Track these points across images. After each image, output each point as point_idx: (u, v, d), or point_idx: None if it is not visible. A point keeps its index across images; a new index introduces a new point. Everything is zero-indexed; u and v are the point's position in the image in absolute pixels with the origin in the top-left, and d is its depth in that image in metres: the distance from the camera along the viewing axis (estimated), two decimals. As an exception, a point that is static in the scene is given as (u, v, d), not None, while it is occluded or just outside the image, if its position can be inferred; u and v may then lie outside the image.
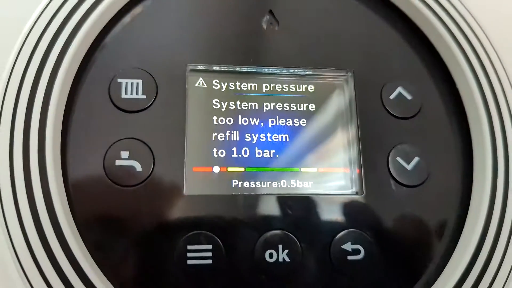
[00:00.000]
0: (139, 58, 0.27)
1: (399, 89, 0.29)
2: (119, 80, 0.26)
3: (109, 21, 0.27)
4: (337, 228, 0.26)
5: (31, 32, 0.25)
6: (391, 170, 0.27)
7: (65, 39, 0.25)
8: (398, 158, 0.28)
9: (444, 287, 0.25)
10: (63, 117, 0.25)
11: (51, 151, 0.24)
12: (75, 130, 0.25)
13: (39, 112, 0.24)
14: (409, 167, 0.27)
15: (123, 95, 0.26)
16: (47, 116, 0.24)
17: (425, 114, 0.29)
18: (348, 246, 0.26)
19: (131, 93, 0.26)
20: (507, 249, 0.26)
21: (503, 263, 0.25)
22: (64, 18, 0.26)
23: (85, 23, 0.26)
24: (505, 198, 0.26)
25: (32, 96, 0.24)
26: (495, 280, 0.25)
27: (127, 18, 0.28)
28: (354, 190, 0.27)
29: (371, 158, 0.27)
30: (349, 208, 0.26)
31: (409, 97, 0.29)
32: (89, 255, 0.23)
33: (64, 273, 0.22)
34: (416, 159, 0.28)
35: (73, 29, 0.25)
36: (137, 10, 0.28)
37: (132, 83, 0.26)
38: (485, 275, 0.25)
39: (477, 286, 0.25)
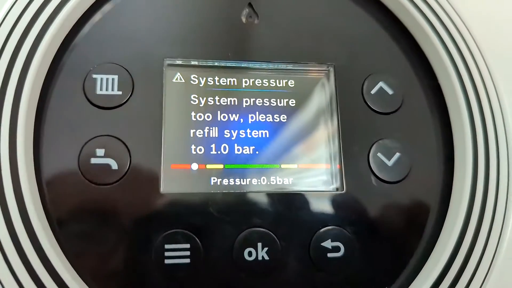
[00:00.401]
0: (115, 53, 0.26)
1: (380, 84, 0.28)
2: (94, 76, 0.25)
3: (83, 14, 0.26)
4: (317, 225, 0.26)
5: (1, 26, 0.24)
6: (372, 166, 0.27)
7: (37, 33, 0.25)
8: (379, 154, 0.27)
9: (425, 283, 0.25)
10: (36, 114, 0.24)
11: (23, 149, 0.23)
12: (49, 127, 0.25)
13: (10, 108, 0.23)
14: (390, 163, 0.27)
15: (98, 91, 0.25)
16: (18, 113, 0.23)
17: (406, 109, 0.28)
18: (328, 244, 0.25)
19: (107, 89, 0.25)
20: (487, 243, 0.26)
21: (483, 257, 0.26)
22: (35, 12, 0.25)
23: (58, 17, 0.25)
24: (485, 194, 0.26)
25: (2, 91, 0.23)
26: (475, 274, 0.25)
27: (102, 12, 0.27)
28: (334, 186, 0.27)
29: (351, 153, 0.27)
30: (329, 204, 0.26)
31: (390, 92, 0.28)
32: (63, 255, 0.23)
33: (37, 274, 0.22)
34: (397, 154, 0.27)
35: (44, 23, 0.25)
36: (112, 3, 0.27)
37: (107, 79, 0.26)
38: (465, 270, 0.25)
39: (458, 280, 0.25)
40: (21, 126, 0.23)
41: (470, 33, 0.29)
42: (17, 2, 0.25)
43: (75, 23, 0.26)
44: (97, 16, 0.27)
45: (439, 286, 0.25)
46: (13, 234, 0.22)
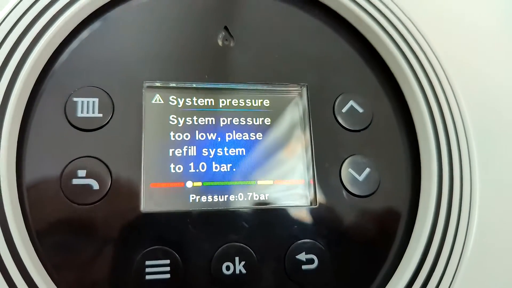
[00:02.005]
0: (95, 76, 0.27)
1: (351, 103, 0.30)
2: (74, 99, 0.26)
3: (64, 39, 0.27)
4: (291, 239, 0.27)
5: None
6: (343, 181, 0.28)
7: (20, 57, 0.25)
8: (350, 170, 0.29)
9: (395, 288, 0.27)
10: (19, 136, 0.25)
11: (5, 169, 0.24)
12: (31, 149, 0.25)
13: None
14: (360, 178, 0.29)
15: (79, 114, 0.26)
16: (1, 135, 0.24)
17: (376, 127, 0.30)
18: (302, 256, 0.27)
19: (87, 112, 0.26)
20: (452, 249, 0.27)
21: (447, 268, 0.27)
22: (18, 37, 0.26)
23: (40, 42, 0.26)
24: (450, 204, 0.28)
25: None
26: (442, 280, 0.27)
27: (82, 36, 0.28)
28: (308, 200, 0.28)
29: (324, 169, 0.28)
30: (303, 218, 0.27)
31: (360, 110, 0.30)
32: (44, 271, 0.24)
33: None
34: (367, 170, 0.29)
35: (27, 48, 0.26)
36: (91, 28, 0.28)
37: (88, 102, 0.26)
38: (431, 279, 0.27)
39: (426, 285, 0.27)
40: (4, 147, 0.24)
41: (434, 54, 0.30)
42: (0, 27, 0.26)
43: (54, 51, 0.27)
44: (75, 43, 0.28)
45: None
46: None
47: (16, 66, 0.25)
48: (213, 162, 0.28)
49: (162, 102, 0.28)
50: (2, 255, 0.23)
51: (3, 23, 0.26)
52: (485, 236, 0.28)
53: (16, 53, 0.25)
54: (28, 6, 0.26)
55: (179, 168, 0.27)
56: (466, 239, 0.27)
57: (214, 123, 0.28)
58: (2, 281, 0.22)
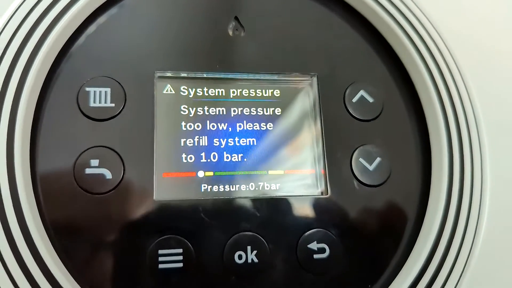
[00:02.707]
0: (107, 66, 0.27)
1: (361, 92, 0.30)
2: (87, 89, 0.26)
3: (76, 30, 0.27)
4: (303, 228, 0.27)
5: (1, 35, 0.25)
6: (354, 171, 0.28)
7: (32, 48, 0.25)
8: (361, 159, 0.29)
9: (405, 280, 0.27)
10: (32, 126, 0.25)
11: (20, 159, 0.24)
12: (44, 139, 0.25)
13: (7, 121, 0.24)
14: (371, 167, 0.29)
15: (92, 104, 0.26)
16: (15, 125, 0.24)
17: (386, 116, 0.30)
18: (313, 245, 0.27)
19: (100, 102, 0.26)
20: (462, 242, 0.27)
21: (459, 256, 0.27)
22: (31, 27, 0.26)
23: (52, 32, 0.26)
24: (460, 197, 0.28)
25: (1, 101, 0.24)
26: (452, 271, 0.27)
27: (93, 27, 0.28)
28: (319, 190, 0.28)
29: (335, 159, 0.28)
30: (314, 208, 0.28)
31: (370, 100, 0.30)
32: (60, 261, 0.24)
33: (35, 279, 0.23)
34: (378, 159, 0.29)
35: (39, 38, 0.26)
36: (103, 18, 0.28)
37: (100, 92, 0.27)
38: (442, 269, 0.27)
39: (436, 277, 0.27)
40: (18, 137, 0.24)
41: (445, 44, 0.30)
42: (16, 12, 0.26)
43: (69, 38, 0.27)
44: (89, 31, 0.28)
45: (418, 282, 0.26)
46: (12, 241, 0.23)
47: (31, 53, 0.25)
48: (224, 152, 0.28)
49: (173, 92, 0.28)
50: (18, 245, 0.23)
51: (19, 9, 0.26)
52: (496, 223, 0.28)
53: (31, 40, 0.25)
54: None
55: (190, 158, 0.27)
56: (478, 225, 0.27)
57: (225, 113, 0.28)
58: (18, 270, 0.23)
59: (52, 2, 0.26)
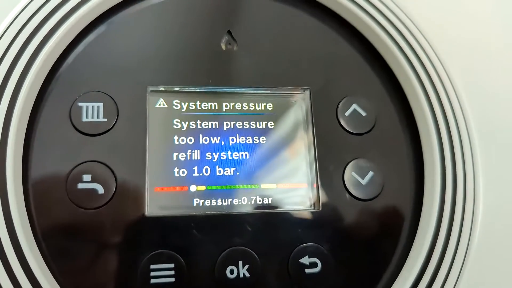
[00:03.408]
0: (100, 81, 0.27)
1: (354, 106, 0.30)
2: (79, 104, 0.27)
3: (69, 45, 0.27)
4: (295, 243, 0.27)
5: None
6: (347, 185, 0.29)
7: (25, 63, 0.26)
8: (353, 173, 0.29)
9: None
10: (25, 141, 0.25)
11: (12, 174, 0.24)
12: (37, 154, 0.26)
13: (0, 133, 0.24)
14: (363, 181, 0.29)
15: (84, 119, 0.26)
16: (7, 140, 0.24)
17: (379, 130, 0.30)
18: (305, 260, 0.27)
19: (92, 117, 0.26)
20: (454, 257, 0.27)
21: (450, 272, 0.27)
22: (24, 42, 0.26)
23: (45, 47, 0.26)
24: (453, 210, 0.28)
25: None
26: (444, 286, 0.27)
27: (86, 42, 0.28)
28: (311, 204, 0.28)
29: (327, 173, 0.29)
30: (306, 222, 0.28)
31: (363, 113, 0.30)
32: (51, 276, 0.24)
33: None
34: (371, 173, 0.29)
35: (32, 53, 0.26)
36: (96, 33, 0.28)
37: (93, 106, 0.27)
38: (433, 284, 0.27)
39: None
40: (11, 151, 0.24)
41: (438, 57, 0.30)
42: (9, 28, 0.26)
43: (61, 54, 0.27)
44: (80, 47, 0.28)
45: None
46: (3, 256, 0.23)
47: (23, 69, 0.25)
48: (217, 166, 0.28)
49: (166, 106, 0.28)
50: (9, 259, 0.23)
51: (11, 26, 0.26)
52: (488, 240, 0.28)
53: (23, 56, 0.25)
54: (35, 10, 0.26)
55: (183, 172, 0.27)
56: (470, 242, 0.27)
57: (217, 127, 0.28)
58: (9, 284, 0.23)
59: (44, 18, 0.26)
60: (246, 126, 0.29)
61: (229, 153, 0.28)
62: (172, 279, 0.25)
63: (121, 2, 0.29)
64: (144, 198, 0.26)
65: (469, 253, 0.27)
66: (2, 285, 0.23)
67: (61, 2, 0.27)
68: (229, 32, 0.30)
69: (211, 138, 0.28)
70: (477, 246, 0.28)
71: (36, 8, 0.27)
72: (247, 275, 0.26)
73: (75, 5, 0.27)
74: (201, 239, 0.26)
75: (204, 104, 0.29)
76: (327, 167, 0.29)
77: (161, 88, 0.28)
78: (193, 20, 0.30)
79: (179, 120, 0.28)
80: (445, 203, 0.28)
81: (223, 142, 0.28)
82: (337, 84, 0.30)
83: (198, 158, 0.28)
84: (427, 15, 0.31)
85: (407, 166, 0.30)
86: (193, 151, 0.28)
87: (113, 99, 0.27)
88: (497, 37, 0.33)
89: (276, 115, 0.30)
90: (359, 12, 0.31)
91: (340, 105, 0.30)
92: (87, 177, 0.26)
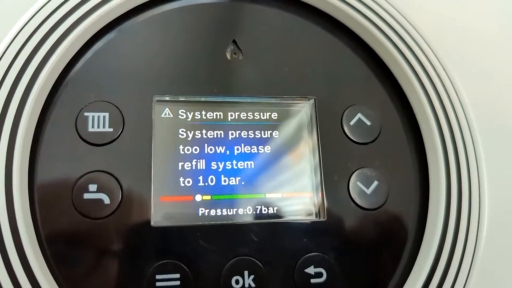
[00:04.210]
0: (106, 91, 0.27)
1: (359, 115, 0.30)
2: (85, 114, 0.27)
3: (75, 55, 0.27)
4: (300, 252, 0.27)
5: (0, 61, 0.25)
6: (352, 194, 0.29)
7: (32, 73, 0.26)
8: (358, 183, 0.29)
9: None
10: (31, 151, 0.25)
11: (18, 184, 0.24)
12: (43, 164, 0.26)
13: (6, 145, 0.24)
14: (368, 191, 0.29)
15: (90, 129, 0.26)
16: (14, 150, 0.24)
17: (384, 139, 0.30)
18: (311, 270, 0.27)
19: (98, 127, 0.27)
20: (460, 266, 0.27)
21: (456, 281, 0.27)
22: (31, 52, 0.26)
23: (52, 57, 0.26)
24: (458, 219, 0.28)
25: (0, 125, 0.24)
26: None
27: (92, 52, 0.28)
28: (316, 214, 0.28)
29: (332, 182, 0.29)
30: (311, 232, 0.28)
31: (368, 122, 0.30)
32: (56, 286, 0.24)
33: None
34: (376, 183, 0.29)
35: (39, 63, 0.26)
36: (101, 43, 0.28)
37: (99, 116, 0.27)
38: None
39: None
40: (17, 161, 0.24)
41: (443, 67, 0.30)
42: (16, 38, 0.26)
43: (69, 61, 0.27)
44: (88, 54, 0.28)
45: None
46: (8, 266, 0.23)
47: (32, 75, 0.25)
48: (222, 176, 0.28)
49: (172, 116, 0.28)
50: (15, 269, 0.23)
51: (20, 33, 0.26)
52: (493, 254, 0.28)
53: (33, 62, 0.26)
54: (44, 17, 0.27)
55: (188, 182, 0.27)
56: (476, 251, 0.27)
57: (222, 136, 0.29)
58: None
59: (51, 28, 0.26)
60: (251, 135, 0.29)
61: (234, 162, 0.28)
62: (178, 289, 0.25)
63: (127, 11, 0.29)
64: (150, 208, 0.26)
65: (475, 263, 0.27)
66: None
67: (71, 9, 0.27)
68: (234, 42, 0.30)
69: (216, 147, 0.28)
70: (482, 256, 0.28)
71: (46, 15, 0.27)
72: (253, 285, 0.26)
73: (87, 12, 0.27)
74: (207, 249, 0.26)
75: (210, 114, 0.29)
76: (332, 177, 0.29)
77: (167, 98, 0.28)
78: (199, 29, 0.30)
79: (184, 130, 0.28)
80: (451, 212, 0.28)
81: (228, 152, 0.28)
82: (342, 94, 0.30)
83: (204, 168, 0.28)
84: (431, 24, 0.32)
85: (412, 175, 0.30)
86: (199, 160, 0.28)
87: (118, 108, 0.27)
88: (505, 51, 0.33)
89: (281, 124, 0.30)
90: (364, 22, 0.31)
91: (344, 114, 0.30)
92: (93, 187, 0.26)
